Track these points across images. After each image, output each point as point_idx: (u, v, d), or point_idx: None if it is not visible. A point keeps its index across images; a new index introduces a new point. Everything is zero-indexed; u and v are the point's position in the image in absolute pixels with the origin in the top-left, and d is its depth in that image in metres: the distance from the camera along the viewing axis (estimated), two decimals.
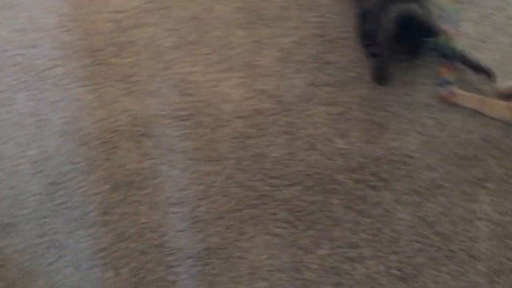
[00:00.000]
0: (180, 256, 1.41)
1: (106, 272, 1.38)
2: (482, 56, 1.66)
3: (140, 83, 1.67)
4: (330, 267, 1.39)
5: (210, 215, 1.47)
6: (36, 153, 1.55)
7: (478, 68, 1.63)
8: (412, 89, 1.65)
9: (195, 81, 1.67)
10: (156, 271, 1.39)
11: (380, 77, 1.65)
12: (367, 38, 1.69)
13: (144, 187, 1.50)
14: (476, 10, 1.77)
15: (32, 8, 1.81)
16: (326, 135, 1.59)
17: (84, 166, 1.53)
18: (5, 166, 1.53)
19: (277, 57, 1.71)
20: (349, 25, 1.77)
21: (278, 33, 1.76)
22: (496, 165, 1.52)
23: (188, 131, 1.60)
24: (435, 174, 1.52)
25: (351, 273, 1.38)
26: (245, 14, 1.79)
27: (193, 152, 1.56)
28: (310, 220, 1.46)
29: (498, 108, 1.58)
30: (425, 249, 1.41)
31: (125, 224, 1.44)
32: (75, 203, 1.48)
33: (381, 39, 1.59)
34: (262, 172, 1.54)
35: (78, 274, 1.38)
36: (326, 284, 1.37)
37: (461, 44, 1.65)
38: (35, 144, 1.57)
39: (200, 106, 1.63)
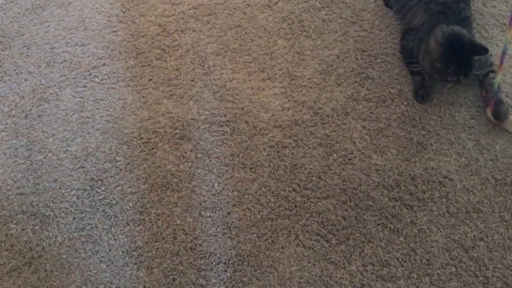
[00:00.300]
0: (212, 260, 1.42)
1: (139, 271, 1.41)
2: None
3: (181, 87, 1.70)
4: (361, 284, 1.38)
5: (242, 222, 1.48)
6: (79, 149, 1.60)
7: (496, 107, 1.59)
8: (453, 109, 1.63)
9: (235, 88, 1.69)
10: (187, 274, 1.40)
11: (422, 95, 1.64)
12: (410, 56, 1.68)
13: (180, 189, 1.53)
14: None
15: (83, 7, 1.86)
16: (363, 150, 1.58)
17: (124, 164, 1.57)
18: (48, 160, 1.58)
19: (318, 69, 1.71)
20: (392, 41, 1.77)
21: (320, 45, 1.76)
22: None
23: (226, 137, 1.62)
24: (473, 197, 1.50)
25: None
26: (288, 24, 1.80)
27: (229, 158, 1.58)
28: (343, 235, 1.45)
29: None
30: (460, 273, 1.38)
31: (159, 225, 1.47)
32: (113, 200, 1.51)
33: (424, 60, 1.58)
34: (296, 183, 1.54)
35: (112, 270, 1.41)
36: None
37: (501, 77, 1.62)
38: (77, 140, 1.61)
39: (238, 113, 1.65)
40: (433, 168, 1.54)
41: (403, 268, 1.40)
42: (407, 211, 1.49)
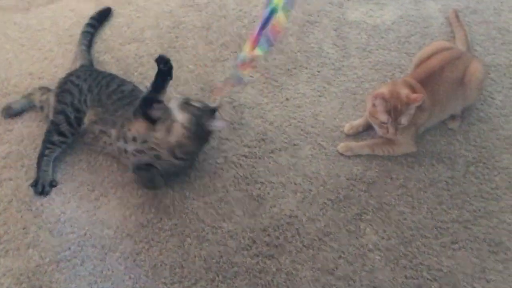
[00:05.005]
0: None
1: None
2: (321, 108, 1.87)
3: (14, 239, 1.61)
4: None
5: None
6: None
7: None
8: (274, 156, 1.78)
9: (70, 218, 1.65)
10: None
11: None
12: None
13: None
14: (306, 72, 1.99)
15: None
16: (212, 224, 1.63)
17: None
18: None
19: None
20: None
21: None
22: (367, 197, 1.67)
23: (76, 269, 1.55)
24: (319, 224, 1.62)
25: None
26: None
27: None
28: None
29: (383, 146, 1.74)
30: None
31: None
32: None
33: None
34: (162, 282, 1.53)
35: None
36: None
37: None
38: None
39: (82, 240, 1.61)
40: (277, 213, 1.65)
41: None
42: (270, 261, 1.55)
